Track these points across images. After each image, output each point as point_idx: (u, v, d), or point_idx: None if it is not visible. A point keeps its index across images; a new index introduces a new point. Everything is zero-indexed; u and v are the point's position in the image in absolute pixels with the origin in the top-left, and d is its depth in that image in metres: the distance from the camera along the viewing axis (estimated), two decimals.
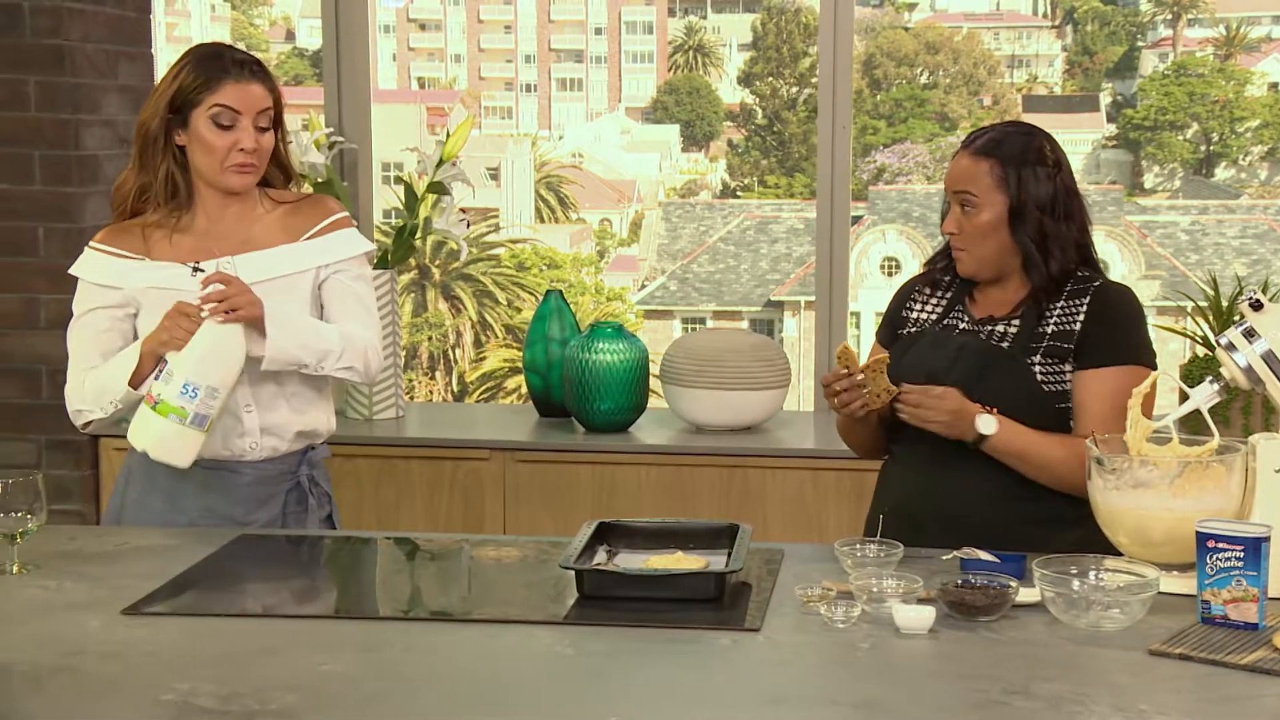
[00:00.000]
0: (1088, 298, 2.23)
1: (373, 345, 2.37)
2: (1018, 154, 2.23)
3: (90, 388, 2.30)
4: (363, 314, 2.38)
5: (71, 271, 2.37)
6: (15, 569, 2.05)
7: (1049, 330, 2.23)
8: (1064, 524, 2.15)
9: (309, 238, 2.37)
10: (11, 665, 1.70)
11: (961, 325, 2.30)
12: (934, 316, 2.34)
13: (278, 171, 2.41)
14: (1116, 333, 2.21)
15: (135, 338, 2.32)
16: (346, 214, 2.44)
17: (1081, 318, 2.22)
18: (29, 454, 3.31)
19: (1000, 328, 2.26)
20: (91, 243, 2.37)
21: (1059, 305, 2.24)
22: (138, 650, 1.75)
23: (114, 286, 2.32)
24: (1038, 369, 2.21)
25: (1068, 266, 2.23)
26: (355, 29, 3.73)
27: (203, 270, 2.29)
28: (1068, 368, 2.21)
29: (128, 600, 1.93)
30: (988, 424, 2.16)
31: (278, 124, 2.36)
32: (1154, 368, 2.19)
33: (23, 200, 3.29)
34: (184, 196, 2.32)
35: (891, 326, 2.39)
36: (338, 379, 2.38)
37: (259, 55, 2.40)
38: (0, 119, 3.27)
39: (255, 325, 2.23)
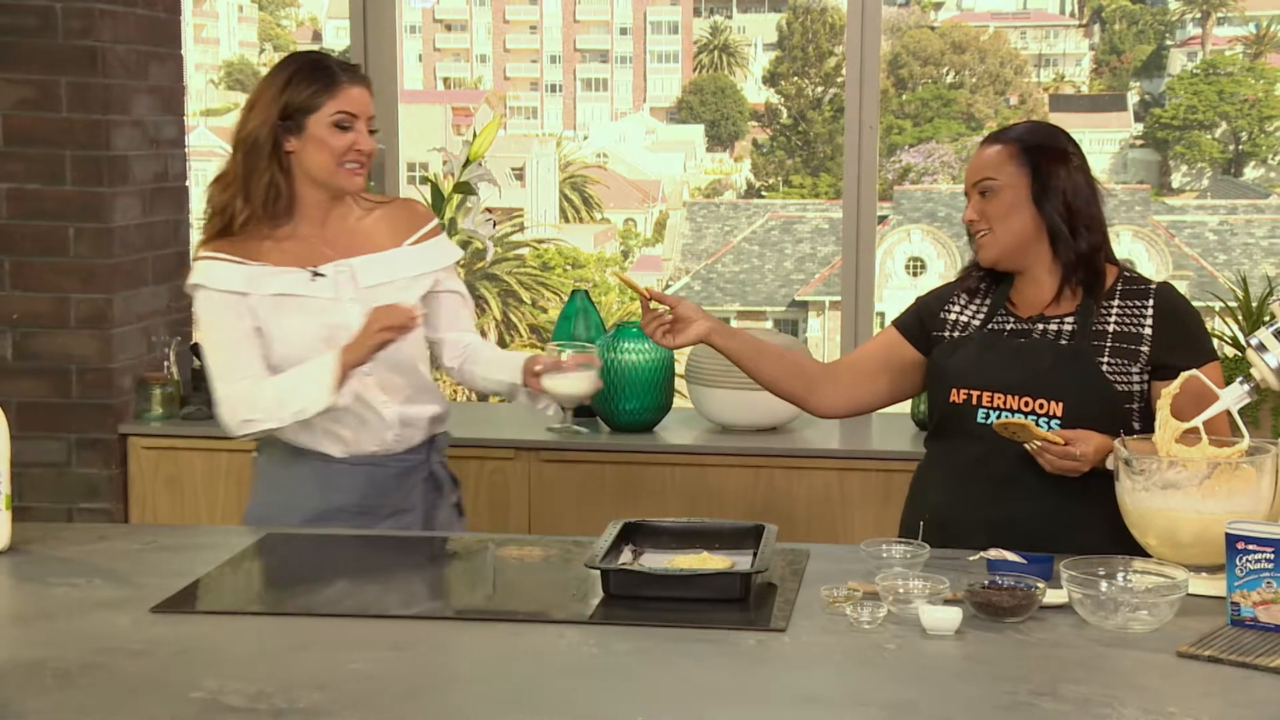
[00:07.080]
0: (1150, 300, 2.23)
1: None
2: (1038, 144, 2.25)
3: (268, 397, 2.30)
4: (470, 318, 2.54)
5: (194, 282, 2.35)
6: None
7: (1110, 329, 2.22)
8: (1116, 528, 2.06)
9: (413, 243, 2.44)
10: (44, 662, 1.71)
11: (1009, 327, 2.27)
12: (976, 321, 2.31)
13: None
14: (1192, 334, 2.23)
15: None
16: (437, 218, 2.54)
17: (1149, 321, 2.21)
18: (59, 452, 3.34)
19: (1054, 326, 2.24)
20: (203, 252, 2.35)
21: (1115, 304, 2.23)
22: (167, 648, 1.76)
23: (241, 292, 2.32)
24: (1105, 366, 2.20)
25: (1096, 243, 2.23)
26: (383, 30, 3.75)
27: (323, 275, 2.34)
28: (1135, 369, 2.20)
29: (157, 598, 1.94)
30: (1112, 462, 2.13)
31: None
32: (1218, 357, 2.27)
33: (54, 200, 3.32)
34: (285, 204, 2.34)
35: (920, 321, 2.36)
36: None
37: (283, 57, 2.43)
38: (32, 120, 3.30)
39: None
